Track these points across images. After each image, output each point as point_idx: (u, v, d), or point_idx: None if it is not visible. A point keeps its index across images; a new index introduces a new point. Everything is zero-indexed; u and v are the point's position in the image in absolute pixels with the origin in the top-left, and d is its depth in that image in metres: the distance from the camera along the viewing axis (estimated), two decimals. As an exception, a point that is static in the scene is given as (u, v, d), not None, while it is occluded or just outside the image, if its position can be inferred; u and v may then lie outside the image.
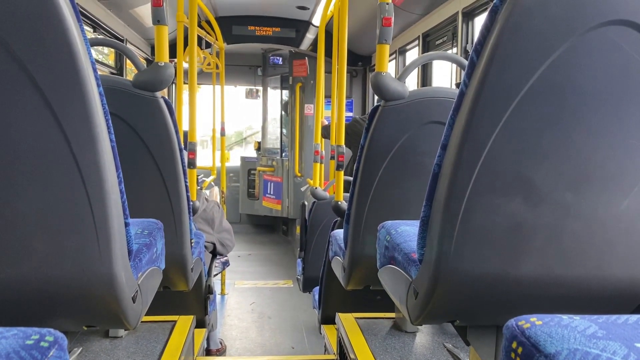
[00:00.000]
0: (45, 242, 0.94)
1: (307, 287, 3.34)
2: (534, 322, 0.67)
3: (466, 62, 0.95)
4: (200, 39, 4.74)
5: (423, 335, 2.05)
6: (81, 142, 0.91)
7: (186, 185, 1.75)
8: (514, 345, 0.66)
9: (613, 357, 0.59)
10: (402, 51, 4.92)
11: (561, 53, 0.88)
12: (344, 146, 2.54)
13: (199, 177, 3.85)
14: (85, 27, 3.84)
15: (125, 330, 1.87)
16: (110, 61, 4.62)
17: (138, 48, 4.98)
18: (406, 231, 1.36)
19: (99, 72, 0.97)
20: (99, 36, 3.94)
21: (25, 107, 0.87)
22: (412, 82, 4.48)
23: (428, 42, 4.22)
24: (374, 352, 1.88)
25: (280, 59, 6.80)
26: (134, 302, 1.09)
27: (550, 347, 0.62)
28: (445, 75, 3.89)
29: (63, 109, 0.88)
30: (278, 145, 7.16)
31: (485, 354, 1.19)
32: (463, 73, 0.98)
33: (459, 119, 0.96)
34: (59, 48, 0.86)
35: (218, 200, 4.58)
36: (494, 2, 0.90)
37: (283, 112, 7.01)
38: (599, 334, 0.64)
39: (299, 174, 6.46)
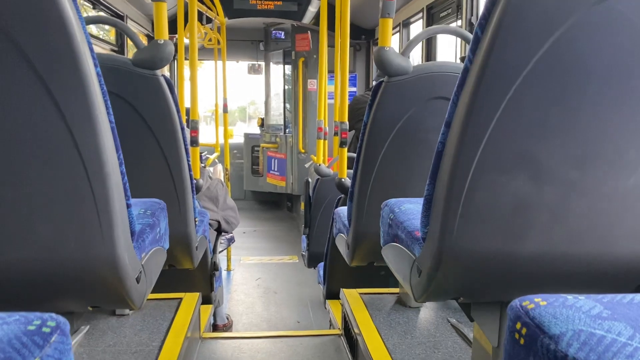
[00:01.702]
0: (47, 225, 0.94)
1: (312, 262, 3.36)
2: (538, 303, 0.66)
3: (471, 36, 0.93)
4: (200, 14, 4.67)
5: (427, 310, 2.06)
6: (79, 123, 0.89)
7: (189, 164, 1.74)
8: (518, 326, 0.66)
9: (618, 338, 0.59)
10: (406, 24, 4.84)
11: (567, 28, 0.85)
12: (347, 123, 2.51)
13: (202, 154, 3.83)
14: (85, 4, 3.78)
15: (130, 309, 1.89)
16: (112, 37, 4.57)
17: (139, 24, 4.92)
18: (410, 209, 1.35)
19: (101, 50, 0.95)
20: (99, 13, 3.88)
21: (21, 89, 0.86)
22: (416, 55, 4.41)
23: (432, 15, 4.14)
24: (378, 327, 1.90)
25: (283, 33, 6.70)
26: (137, 283, 1.10)
27: (554, 328, 0.61)
28: (450, 46, 3.83)
29: (60, 90, 0.87)
30: (281, 122, 7.12)
31: (489, 329, 1.19)
32: (468, 46, 0.95)
33: (463, 95, 0.94)
34: (54, 28, 0.84)
35: (222, 178, 4.58)
36: None
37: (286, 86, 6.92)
38: (604, 314, 0.63)
39: (303, 151, 6.42)
